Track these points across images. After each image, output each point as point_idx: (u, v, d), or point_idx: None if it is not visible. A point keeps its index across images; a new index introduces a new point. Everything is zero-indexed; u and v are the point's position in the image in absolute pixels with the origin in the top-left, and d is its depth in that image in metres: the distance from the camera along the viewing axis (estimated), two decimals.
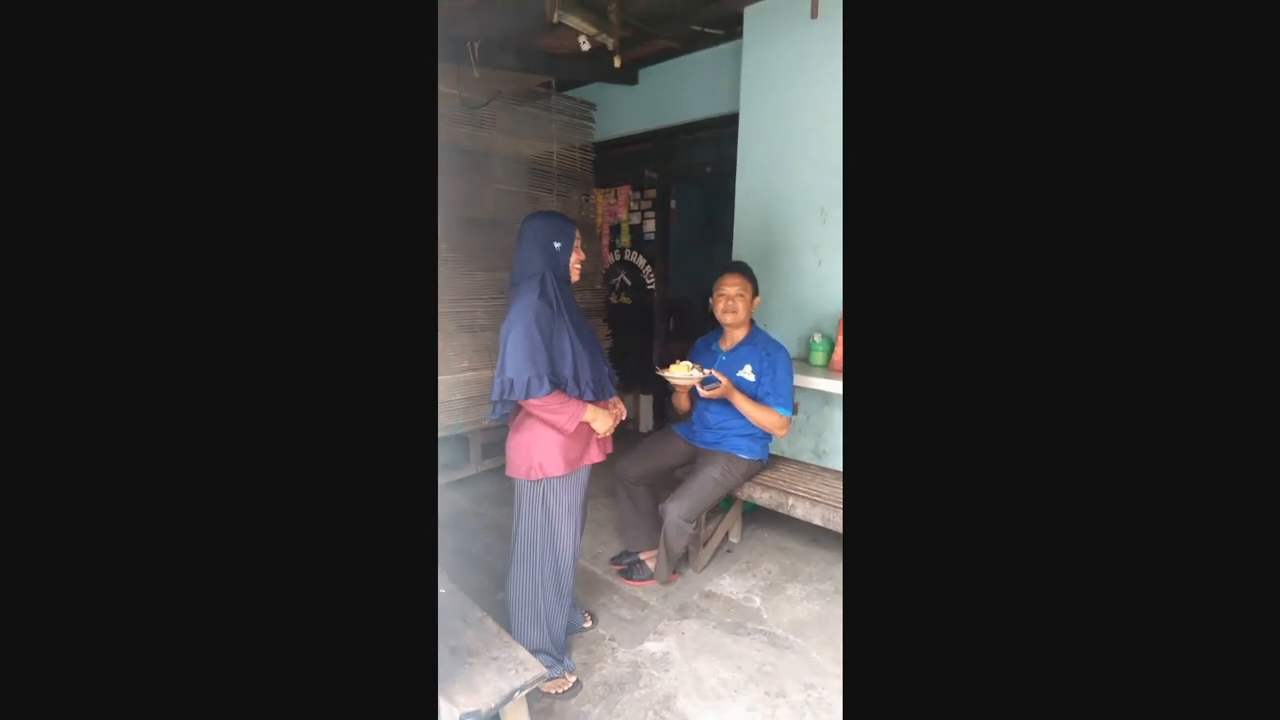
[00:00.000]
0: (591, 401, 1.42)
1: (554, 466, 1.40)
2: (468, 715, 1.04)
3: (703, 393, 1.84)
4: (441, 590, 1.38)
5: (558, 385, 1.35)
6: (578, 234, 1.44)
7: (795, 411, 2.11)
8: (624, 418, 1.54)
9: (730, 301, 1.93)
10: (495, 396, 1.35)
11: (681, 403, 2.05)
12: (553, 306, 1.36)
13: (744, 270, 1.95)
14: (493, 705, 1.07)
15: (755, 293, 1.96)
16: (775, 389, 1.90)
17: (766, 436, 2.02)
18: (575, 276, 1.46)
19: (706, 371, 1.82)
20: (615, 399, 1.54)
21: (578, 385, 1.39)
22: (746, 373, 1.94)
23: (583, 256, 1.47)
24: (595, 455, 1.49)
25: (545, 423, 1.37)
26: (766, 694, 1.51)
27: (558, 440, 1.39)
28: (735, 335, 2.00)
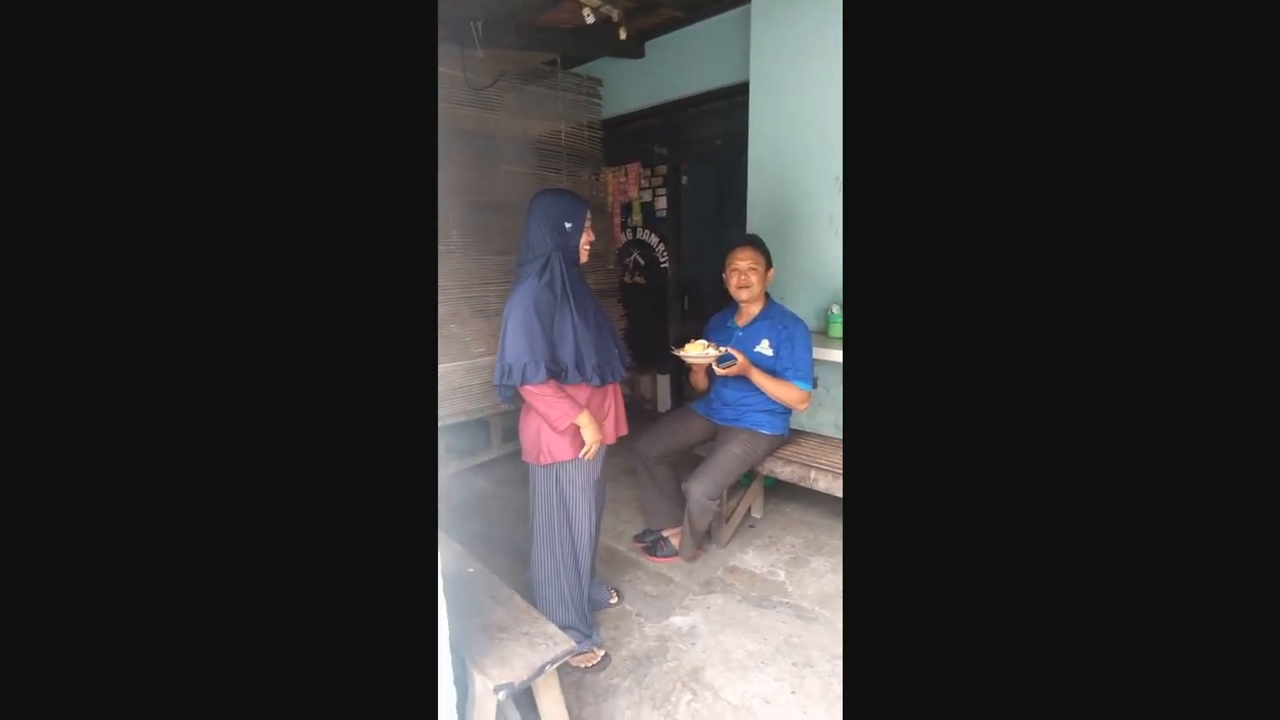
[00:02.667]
0: (598, 385, 1.41)
1: (562, 451, 1.40)
2: (500, 687, 1.06)
3: (719, 371, 1.81)
4: (470, 570, 1.41)
5: (556, 374, 1.34)
6: (589, 214, 1.42)
7: (815, 385, 2.09)
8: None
9: (743, 276, 1.89)
10: (497, 380, 1.36)
11: (699, 381, 2.04)
12: (555, 290, 1.35)
13: (756, 243, 1.92)
14: (525, 678, 1.09)
15: (769, 265, 1.92)
16: (794, 364, 1.87)
17: (787, 411, 2.01)
18: (584, 258, 1.44)
19: (722, 349, 1.79)
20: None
21: (581, 371, 1.38)
22: (764, 348, 1.91)
23: (592, 237, 1.45)
24: (607, 437, 1.49)
25: (539, 413, 1.37)
26: (794, 664, 1.52)
27: None
28: (751, 310, 1.97)
